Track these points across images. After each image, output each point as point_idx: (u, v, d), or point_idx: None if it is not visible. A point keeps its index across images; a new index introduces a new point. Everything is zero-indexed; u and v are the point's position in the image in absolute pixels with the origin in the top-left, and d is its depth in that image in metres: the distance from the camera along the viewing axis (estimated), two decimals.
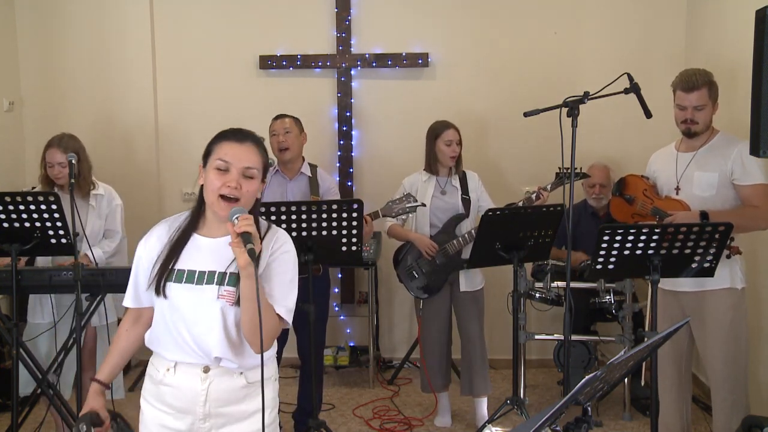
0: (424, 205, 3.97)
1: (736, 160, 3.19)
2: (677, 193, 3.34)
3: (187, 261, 2.06)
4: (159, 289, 2.05)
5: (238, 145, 2.05)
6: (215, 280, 2.03)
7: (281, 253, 2.09)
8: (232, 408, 2.08)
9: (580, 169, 4.19)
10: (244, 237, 1.89)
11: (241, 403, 2.08)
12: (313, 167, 3.99)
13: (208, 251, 2.07)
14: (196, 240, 2.09)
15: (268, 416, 2.09)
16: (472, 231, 3.94)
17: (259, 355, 1.98)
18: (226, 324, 2.03)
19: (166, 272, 2.05)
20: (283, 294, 2.06)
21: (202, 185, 2.09)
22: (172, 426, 2.09)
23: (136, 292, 2.15)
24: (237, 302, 2.01)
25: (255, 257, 1.87)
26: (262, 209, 3.14)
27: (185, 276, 2.05)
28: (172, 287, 2.04)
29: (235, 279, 2.01)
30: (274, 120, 3.94)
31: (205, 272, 2.05)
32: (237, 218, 1.92)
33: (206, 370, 2.05)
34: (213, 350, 2.03)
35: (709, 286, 3.20)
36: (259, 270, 1.98)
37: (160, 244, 2.11)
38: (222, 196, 2.00)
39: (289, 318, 2.08)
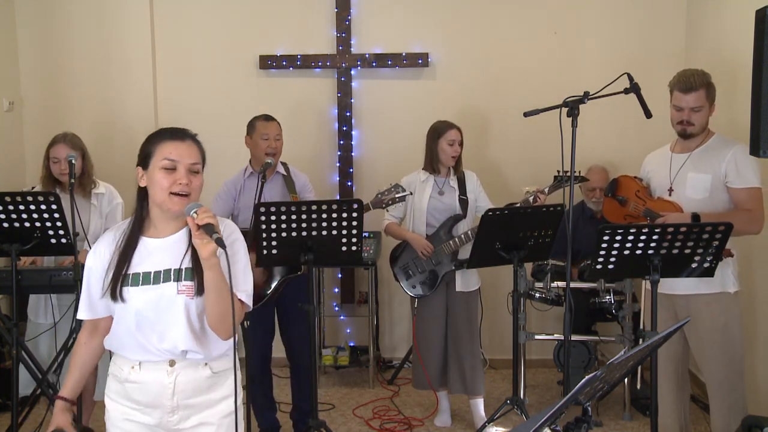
0: (411, 193, 3.99)
1: (730, 163, 3.17)
2: (670, 195, 3.32)
3: (139, 264, 2.11)
4: (115, 295, 2.08)
5: (181, 143, 2.11)
6: (172, 277, 2.09)
7: (232, 242, 2.14)
8: (199, 398, 2.14)
9: (579, 172, 4.18)
10: (208, 228, 1.94)
11: (207, 392, 2.15)
12: (285, 165, 3.98)
13: (159, 251, 2.12)
14: (145, 243, 2.13)
15: (233, 404, 2.15)
16: (469, 232, 3.94)
17: (223, 344, 2.13)
18: (190, 317, 2.09)
19: (120, 278, 2.08)
20: (241, 280, 2.14)
21: (141, 189, 2.15)
22: (140, 420, 2.14)
23: (91, 304, 2.17)
24: (195, 294, 2.07)
25: (223, 244, 1.93)
26: (263, 209, 3.14)
27: (141, 278, 2.09)
28: (129, 291, 2.08)
29: (190, 273, 2.08)
30: (263, 121, 3.89)
31: (160, 271, 2.09)
32: (196, 212, 1.96)
33: (172, 363, 2.11)
34: (179, 344, 2.08)
35: (701, 290, 3.19)
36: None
37: (109, 252, 2.14)
38: (173, 194, 2.06)
39: (249, 302, 2.16)
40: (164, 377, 2.10)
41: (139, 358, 2.11)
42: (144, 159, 2.14)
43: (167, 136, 2.13)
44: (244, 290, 2.14)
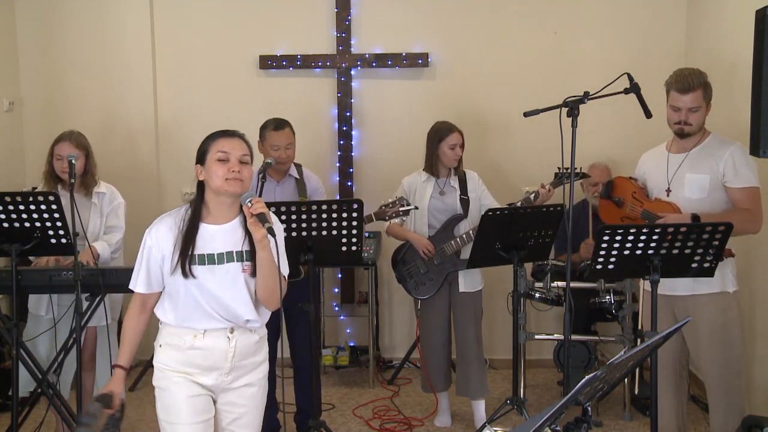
0: (416, 208, 3.96)
1: (728, 163, 3.17)
2: (668, 195, 3.31)
3: (203, 246, 2.43)
4: (186, 273, 2.39)
5: (231, 139, 2.48)
6: (235, 258, 2.44)
7: (277, 232, 2.48)
8: (248, 360, 2.52)
9: (580, 169, 4.18)
10: (260, 217, 2.31)
11: (254, 355, 2.53)
12: (299, 167, 3.95)
13: (219, 236, 2.45)
14: (206, 228, 2.45)
15: (266, 368, 2.59)
16: (470, 232, 3.93)
17: (270, 313, 2.55)
18: (250, 291, 2.46)
19: (187, 258, 2.39)
20: (283, 259, 2.50)
21: (200, 182, 2.47)
22: (198, 381, 2.45)
23: (149, 279, 2.47)
24: (253, 273, 2.44)
25: (273, 234, 2.31)
26: None
27: (206, 259, 2.42)
28: (197, 270, 2.41)
29: (250, 254, 2.44)
30: (273, 131, 3.79)
31: (223, 253, 2.43)
32: (250, 201, 2.33)
33: (231, 331, 2.46)
34: (244, 314, 2.45)
35: (701, 290, 3.19)
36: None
37: (173, 235, 2.44)
38: (228, 180, 2.39)
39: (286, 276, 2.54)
40: (225, 343, 2.45)
41: (204, 327, 2.43)
42: (201, 156, 2.47)
43: (219, 135, 2.48)
44: (285, 267, 2.51)
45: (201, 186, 2.48)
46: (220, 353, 2.45)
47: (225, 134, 2.49)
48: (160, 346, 2.49)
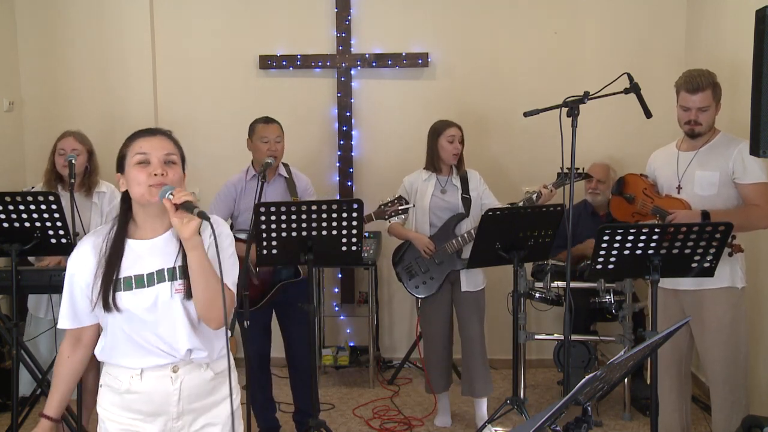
0: (414, 206, 3.98)
1: (737, 159, 3.20)
2: (678, 192, 3.34)
3: (130, 268, 2.04)
4: (108, 305, 2.01)
5: (151, 137, 2.08)
6: (166, 276, 2.04)
7: (218, 234, 2.04)
8: (203, 402, 2.12)
9: (582, 169, 4.18)
10: (187, 206, 1.91)
11: (210, 395, 2.14)
12: (287, 166, 3.96)
13: (148, 253, 2.06)
14: (132, 246, 2.07)
15: (235, 401, 2.16)
16: (472, 231, 3.94)
17: (223, 340, 2.09)
18: (189, 315, 2.06)
19: (111, 284, 2.01)
20: (228, 268, 2.08)
21: (124, 193, 2.09)
22: (141, 431, 2.09)
23: (74, 312, 2.09)
24: (188, 292, 2.03)
25: (207, 216, 1.89)
26: (262, 209, 3.13)
27: (134, 282, 2.03)
28: (122, 297, 2.02)
29: (183, 271, 2.03)
30: (262, 124, 3.86)
31: (153, 273, 2.04)
32: (171, 193, 1.93)
33: (175, 369, 2.07)
34: (183, 344, 2.04)
35: (709, 285, 3.20)
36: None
37: (94, 258, 2.05)
38: (151, 186, 1.99)
39: (235, 289, 2.13)
40: (168, 384, 2.07)
41: (140, 365, 2.05)
42: (120, 162, 2.09)
43: (137, 135, 2.10)
44: (231, 278, 2.11)
45: (126, 196, 2.09)
46: (164, 397, 2.06)
47: (144, 133, 2.09)
48: (101, 386, 2.14)
